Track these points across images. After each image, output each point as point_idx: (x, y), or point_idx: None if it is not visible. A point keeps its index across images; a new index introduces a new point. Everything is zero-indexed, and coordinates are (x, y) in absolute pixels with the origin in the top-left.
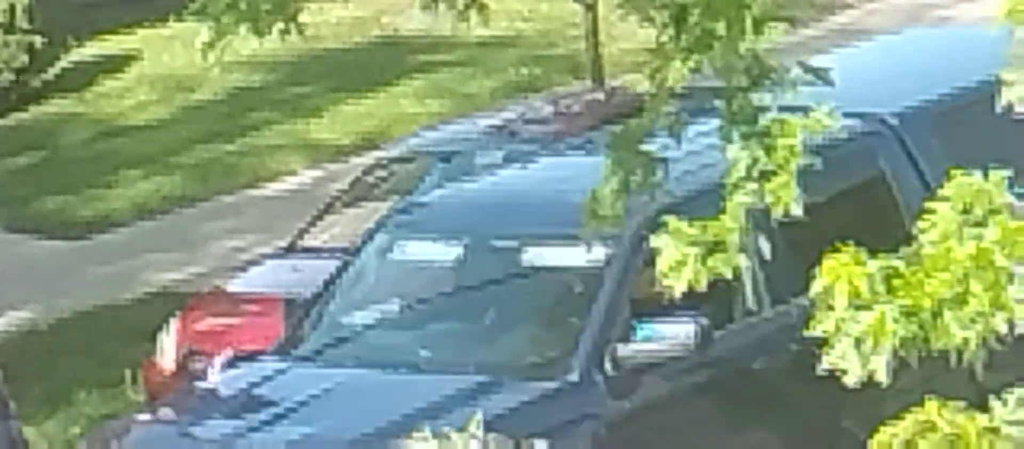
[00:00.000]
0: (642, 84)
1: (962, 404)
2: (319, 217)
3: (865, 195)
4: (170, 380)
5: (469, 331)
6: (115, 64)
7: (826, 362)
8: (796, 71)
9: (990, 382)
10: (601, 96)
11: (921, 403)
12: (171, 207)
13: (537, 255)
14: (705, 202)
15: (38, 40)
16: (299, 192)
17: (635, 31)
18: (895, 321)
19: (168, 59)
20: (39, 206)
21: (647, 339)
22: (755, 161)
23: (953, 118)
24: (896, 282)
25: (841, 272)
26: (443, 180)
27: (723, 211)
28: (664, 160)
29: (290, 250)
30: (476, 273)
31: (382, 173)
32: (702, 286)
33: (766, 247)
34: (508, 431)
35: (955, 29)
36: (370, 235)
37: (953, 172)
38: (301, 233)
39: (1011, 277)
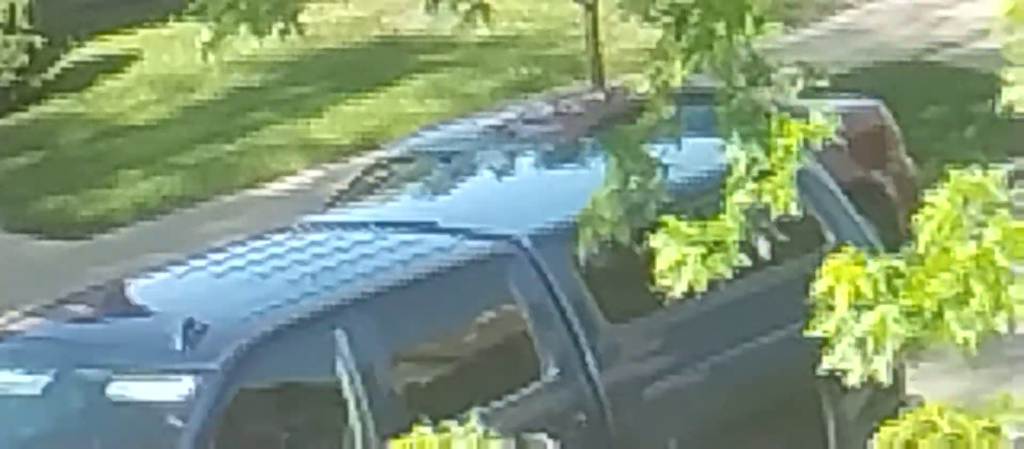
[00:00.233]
0: (642, 85)
1: (962, 404)
2: None
3: (494, 320)
4: None
5: None
6: (115, 64)
7: (827, 363)
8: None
9: None
10: (601, 96)
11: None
12: (171, 207)
13: (122, 388)
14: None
15: (38, 40)
16: (299, 192)
17: (635, 31)
18: (896, 322)
19: (168, 59)
20: (39, 206)
21: None
22: (754, 161)
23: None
24: (898, 282)
25: (843, 273)
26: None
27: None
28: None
29: None
30: (61, 406)
31: (382, 173)
32: (702, 286)
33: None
34: None
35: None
36: None
37: (952, 172)
38: None
39: (1011, 277)
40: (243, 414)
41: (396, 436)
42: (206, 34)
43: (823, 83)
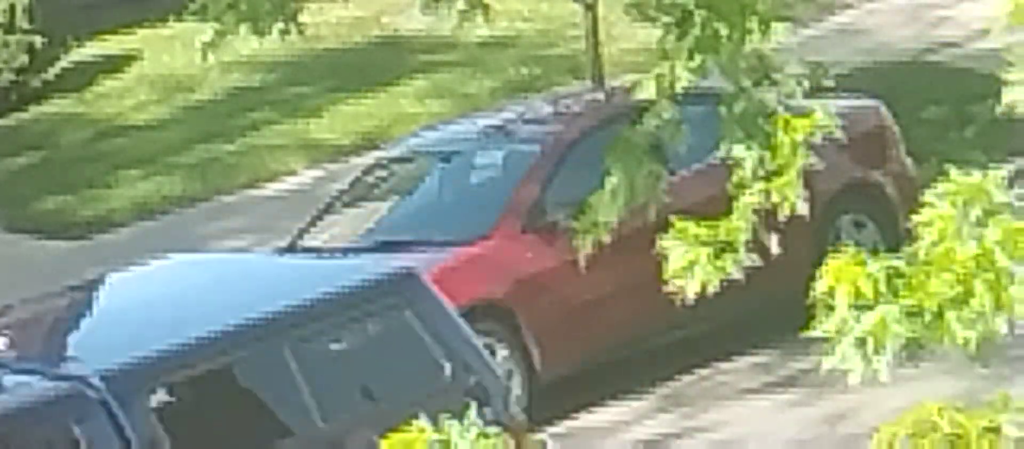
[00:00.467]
0: (639, 86)
1: (962, 404)
2: (319, 217)
3: None
4: None
5: None
6: (115, 64)
7: (827, 364)
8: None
9: None
10: (601, 96)
11: None
12: (171, 207)
13: None
14: None
15: (38, 40)
16: (299, 192)
17: (635, 31)
18: (897, 322)
19: (168, 59)
20: (39, 206)
21: None
22: (761, 161)
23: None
24: (898, 282)
25: (843, 273)
26: None
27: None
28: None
29: (290, 250)
30: None
31: (382, 173)
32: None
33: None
34: None
35: (236, 259)
36: None
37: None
38: (301, 233)
39: (1011, 277)
40: None
41: None
42: (207, 34)
43: (829, 82)
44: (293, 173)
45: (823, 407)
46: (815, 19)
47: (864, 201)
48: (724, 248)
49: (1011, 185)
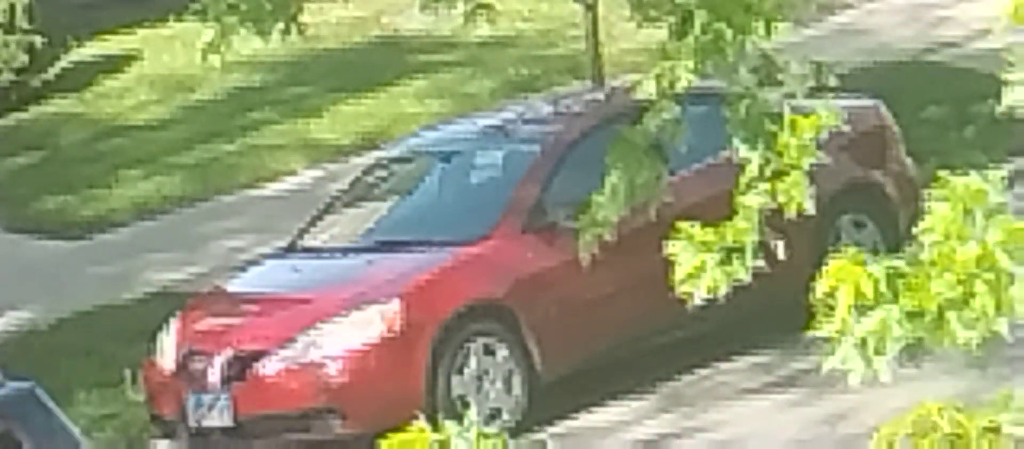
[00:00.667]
0: (639, 86)
1: (962, 404)
2: (319, 217)
3: None
4: (170, 380)
5: None
6: (115, 64)
7: (828, 365)
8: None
9: None
10: (601, 96)
11: None
12: (171, 207)
13: None
14: None
15: (38, 40)
16: (299, 192)
17: (635, 31)
18: (898, 323)
19: (168, 59)
20: (39, 206)
21: None
22: (767, 161)
23: None
24: (899, 283)
25: (844, 274)
26: None
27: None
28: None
29: (290, 250)
30: None
31: (382, 173)
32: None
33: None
34: None
35: None
36: None
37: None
38: (301, 233)
39: (1012, 278)
40: None
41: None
42: (208, 35)
43: (834, 82)
44: (293, 173)
45: (823, 407)
46: (815, 19)
47: (864, 201)
48: (732, 252)
49: (1011, 185)
